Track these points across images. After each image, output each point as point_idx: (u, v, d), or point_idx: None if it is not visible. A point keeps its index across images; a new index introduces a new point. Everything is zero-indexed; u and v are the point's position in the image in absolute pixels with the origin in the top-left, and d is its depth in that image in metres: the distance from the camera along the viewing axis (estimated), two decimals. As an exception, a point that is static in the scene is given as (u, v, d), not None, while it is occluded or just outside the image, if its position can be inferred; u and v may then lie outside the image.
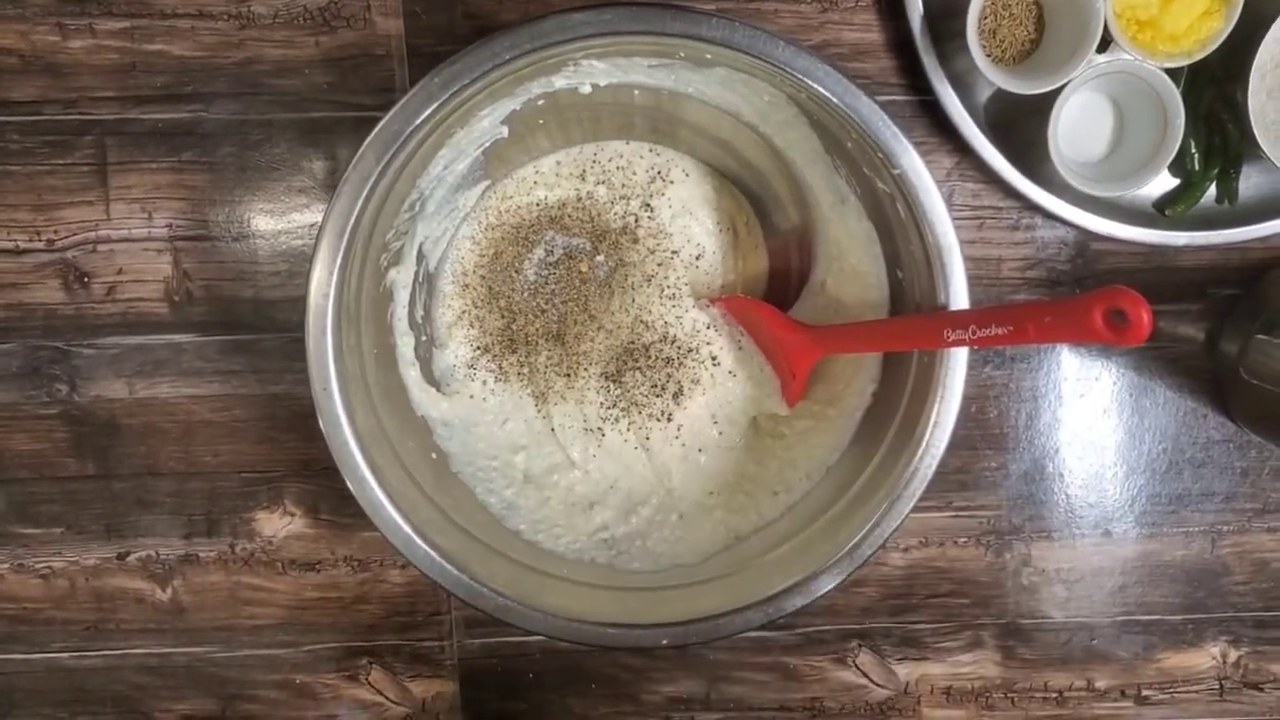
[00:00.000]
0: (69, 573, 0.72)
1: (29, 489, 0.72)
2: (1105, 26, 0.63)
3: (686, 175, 0.68)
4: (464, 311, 0.67)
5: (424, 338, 0.66)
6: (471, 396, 0.67)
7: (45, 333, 0.70)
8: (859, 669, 0.76)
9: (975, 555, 0.75)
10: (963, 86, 0.66)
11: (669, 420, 0.67)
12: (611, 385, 0.68)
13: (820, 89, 0.52)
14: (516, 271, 0.67)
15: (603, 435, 0.68)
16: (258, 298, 0.70)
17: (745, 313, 0.66)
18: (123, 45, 0.67)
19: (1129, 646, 0.76)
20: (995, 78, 0.64)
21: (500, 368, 0.68)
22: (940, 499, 0.74)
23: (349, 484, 0.55)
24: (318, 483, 0.72)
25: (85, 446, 0.71)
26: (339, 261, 0.52)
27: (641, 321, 0.67)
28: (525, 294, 0.68)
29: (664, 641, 0.56)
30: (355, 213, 0.52)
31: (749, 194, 0.68)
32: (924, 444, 0.55)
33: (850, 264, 0.63)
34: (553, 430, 0.68)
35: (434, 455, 0.64)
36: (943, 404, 0.55)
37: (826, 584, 0.56)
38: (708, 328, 0.67)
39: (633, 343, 0.67)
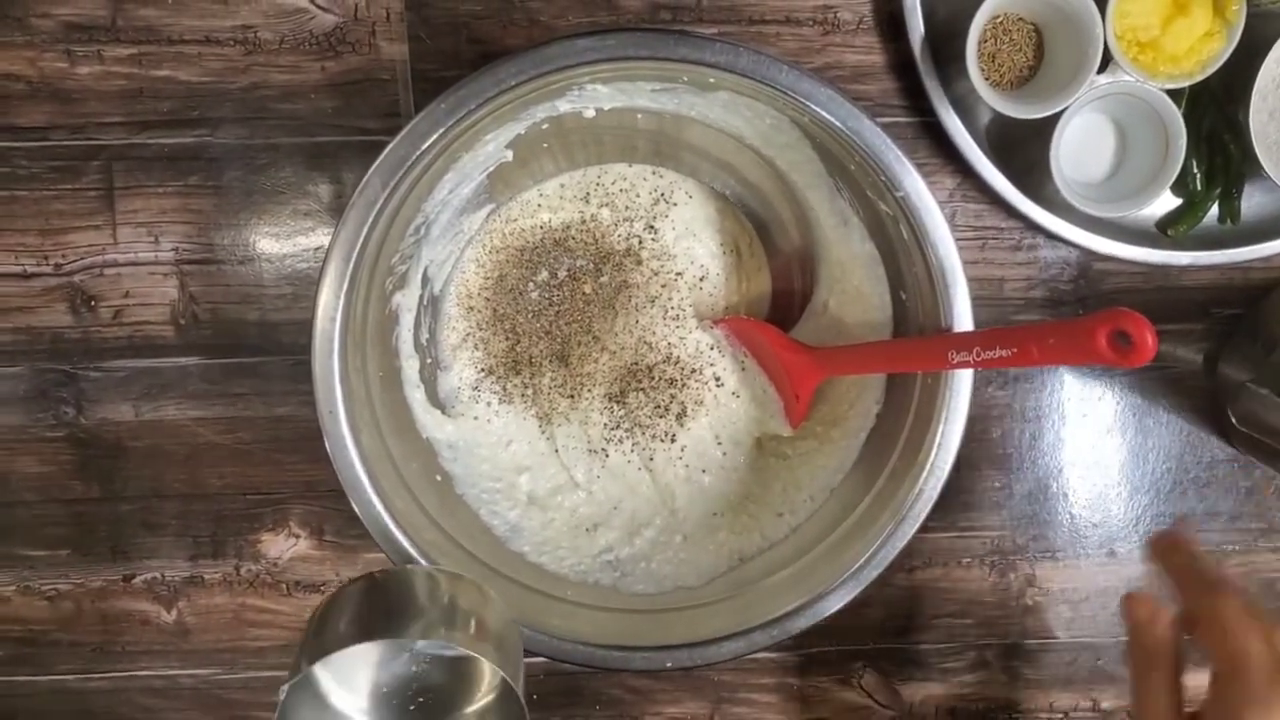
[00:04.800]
0: (75, 595, 0.72)
1: (35, 511, 0.72)
2: (1106, 47, 0.63)
3: (690, 197, 0.68)
4: (468, 334, 0.68)
5: (429, 360, 0.66)
6: (476, 418, 0.67)
7: (52, 356, 0.70)
8: (863, 690, 0.75)
9: (979, 576, 0.74)
10: (965, 108, 0.67)
11: (673, 441, 0.68)
12: (615, 406, 0.68)
13: (823, 112, 0.52)
14: (521, 294, 0.68)
15: (606, 456, 0.68)
16: (263, 320, 0.70)
17: (748, 334, 0.66)
18: (130, 71, 0.68)
19: (1135, 667, 0.76)
20: (995, 103, 0.64)
21: (504, 389, 0.68)
22: (944, 519, 0.74)
23: (354, 506, 0.55)
24: (323, 504, 0.72)
25: (91, 469, 0.71)
26: (345, 285, 0.52)
27: (645, 343, 0.68)
28: (529, 316, 0.68)
29: (668, 664, 0.56)
30: (361, 237, 0.52)
31: (752, 216, 0.69)
32: (928, 466, 0.55)
33: (853, 285, 0.63)
34: (556, 452, 0.68)
35: (438, 477, 0.64)
36: (947, 425, 0.55)
37: (831, 606, 0.56)
38: (711, 349, 0.68)
39: (636, 364, 0.68)
